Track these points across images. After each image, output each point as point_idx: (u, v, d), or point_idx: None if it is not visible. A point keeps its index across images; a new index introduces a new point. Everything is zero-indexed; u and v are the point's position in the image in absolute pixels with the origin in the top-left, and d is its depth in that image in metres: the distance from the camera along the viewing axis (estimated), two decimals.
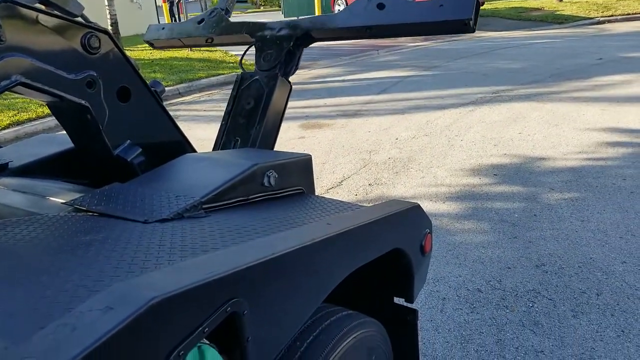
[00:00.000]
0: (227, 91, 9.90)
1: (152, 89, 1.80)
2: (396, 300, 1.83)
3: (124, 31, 17.14)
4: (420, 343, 2.57)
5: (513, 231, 3.70)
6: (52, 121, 7.39)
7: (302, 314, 1.17)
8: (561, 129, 6.01)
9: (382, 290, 1.84)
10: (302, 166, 1.83)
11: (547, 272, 3.16)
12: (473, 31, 2.49)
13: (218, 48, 15.30)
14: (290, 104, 5.36)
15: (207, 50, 14.94)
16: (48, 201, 1.48)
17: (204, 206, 1.38)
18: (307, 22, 2.82)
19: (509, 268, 3.23)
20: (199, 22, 3.16)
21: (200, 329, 0.86)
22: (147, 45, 3.02)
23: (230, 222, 1.33)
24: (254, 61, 2.69)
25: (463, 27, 2.40)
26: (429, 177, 4.85)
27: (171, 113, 1.88)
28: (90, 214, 1.32)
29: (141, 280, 0.89)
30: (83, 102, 1.52)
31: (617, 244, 3.44)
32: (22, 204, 1.48)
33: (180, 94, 9.91)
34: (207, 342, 0.93)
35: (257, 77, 2.64)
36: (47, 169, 1.89)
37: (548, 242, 3.51)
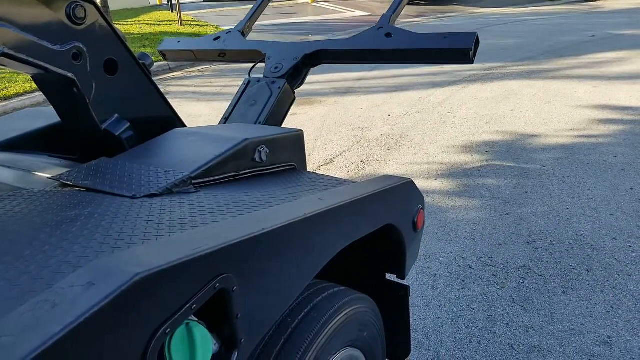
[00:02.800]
0: (218, 67, 9.78)
1: (140, 61, 1.75)
2: (388, 276, 1.83)
3: (113, 5, 16.83)
4: (411, 319, 2.59)
5: (504, 208, 3.71)
6: (40, 96, 7.27)
7: (293, 290, 1.15)
8: (553, 106, 6.00)
9: (374, 267, 1.84)
10: (294, 142, 1.80)
11: (537, 248, 3.18)
12: (472, 62, 2.78)
13: (209, 23, 15.09)
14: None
15: (198, 25, 14.74)
16: (34, 176, 1.44)
17: (194, 181, 1.35)
18: (318, 43, 3.06)
19: (500, 245, 3.24)
20: (215, 39, 3.44)
21: (188, 305, 0.83)
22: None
23: (220, 197, 1.30)
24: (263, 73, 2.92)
25: (463, 56, 2.77)
26: (421, 154, 4.84)
27: (161, 89, 1.83)
28: (77, 189, 1.29)
29: (126, 255, 0.86)
30: (69, 74, 1.47)
31: (608, 220, 3.46)
32: (7, 179, 1.44)
33: (171, 70, 9.76)
34: (196, 319, 0.90)
35: (264, 81, 2.83)
36: (33, 144, 1.85)
37: (539, 219, 3.53)
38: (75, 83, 1.49)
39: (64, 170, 1.41)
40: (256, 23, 3.72)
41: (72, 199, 1.21)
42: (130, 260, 0.82)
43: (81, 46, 1.49)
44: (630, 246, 3.14)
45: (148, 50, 10.81)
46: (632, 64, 7.84)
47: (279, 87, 2.69)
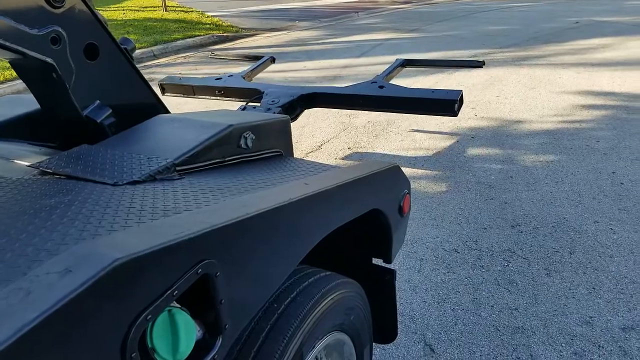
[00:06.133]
0: (203, 54, 9.71)
1: (122, 46, 1.71)
2: (374, 261, 1.85)
3: None
4: (398, 303, 2.63)
5: (489, 193, 3.76)
6: (20, 84, 7.17)
7: (279, 275, 1.14)
8: (538, 92, 6.05)
9: (361, 251, 1.85)
10: (280, 128, 1.80)
11: (522, 232, 3.23)
12: (456, 115, 3.21)
13: (194, 8, 14.93)
14: (268, 67, 5.35)
15: (183, 11, 14.57)
16: (13, 164, 1.41)
17: (178, 168, 1.34)
18: (316, 88, 3.46)
19: (485, 229, 3.29)
20: (216, 79, 3.70)
21: (170, 292, 0.81)
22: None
23: (204, 183, 1.29)
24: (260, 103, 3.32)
25: (448, 107, 3.08)
26: (407, 140, 4.87)
27: (146, 76, 1.82)
28: (57, 176, 1.26)
29: (105, 240, 0.84)
30: (48, 59, 1.43)
31: (590, 204, 3.52)
32: None
33: (155, 56, 9.67)
34: (178, 305, 0.89)
35: (261, 108, 3.09)
36: (13, 131, 1.81)
37: (523, 203, 3.58)
38: (54, 68, 1.46)
39: (44, 158, 1.39)
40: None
41: (52, 186, 1.19)
42: (109, 245, 0.80)
43: (60, 30, 1.46)
44: (611, 229, 3.20)
45: (132, 37, 10.68)
46: (615, 50, 7.92)
47: (273, 111, 2.93)
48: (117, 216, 0.99)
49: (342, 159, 4.54)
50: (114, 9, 15.09)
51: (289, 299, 1.29)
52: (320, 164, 1.72)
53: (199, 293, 0.92)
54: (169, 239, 0.81)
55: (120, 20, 12.88)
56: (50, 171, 1.28)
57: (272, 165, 1.65)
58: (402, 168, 1.77)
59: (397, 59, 4.21)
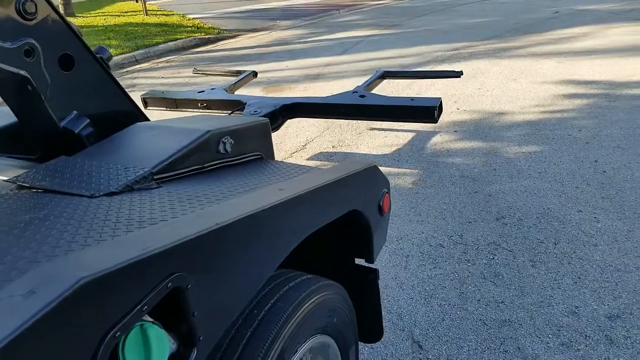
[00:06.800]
0: (186, 57, 9.66)
1: (98, 55, 1.70)
2: (357, 261, 1.85)
3: None
4: (384, 301, 2.63)
5: (473, 186, 3.77)
6: None
7: (255, 283, 1.13)
8: (519, 84, 6.08)
9: (342, 252, 1.85)
10: (259, 131, 1.79)
11: (506, 224, 3.24)
12: (436, 122, 3.28)
13: (175, 11, 14.84)
14: (251, 68, 5.33)
15: (164, 14, 14.47)
16: None
17: (156, 177, 1.33)
18: (297, 98, 3.53)
19: (470, 222, 3.30)
20: (199, 92, 3.78)
21: (139, 307, 0.81)
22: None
23: (182, 192, 1.28)
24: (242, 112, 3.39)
25: (428, 115, 3.21)
26: (391, 136, 4.87)
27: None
28: (34, 190, 1.25)
29: (70, 259, 0.83)
30: (22, 72, 1.41)
31: (573, 193, 3.54)
32: None
33: (137, 61, 9.60)
34: (150, 319, 0.89)
35: (242, 115, 3.16)
36: None
37: (507, 195, 3.59)
38: (29, 81, 1.44)
39: (22, 171, 1.37)
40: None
41: (28, 201, 1.17)
42: (75, 264, 0.79)
43: (33, 42, 1.44)
44: (595, 217, 3.22)
45: (113, 43, 10.61)
46: (595, 38, 7.98)
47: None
48: (91, 230, 0.99)
49: (327, 157, 4.53)
50: (94, 14, 14.96)
51: (269, 304, 1.28)
52: (300, 165, 1.71)
53: (171, 306, 0.91)
54: (137, 254, 0.81)
55: (101, 26, 12.77)
56: (27, 185, 1.27)
57: (252, 169, 1.64)
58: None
59: (376, 71, 4.31)
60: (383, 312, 2.51)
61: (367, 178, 1.69)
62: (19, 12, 1.42)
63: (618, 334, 2.30)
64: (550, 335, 2.33)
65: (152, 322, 0.88)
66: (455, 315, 2.51)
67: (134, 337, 0.83)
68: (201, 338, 0.96)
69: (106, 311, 0.76)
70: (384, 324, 1.92)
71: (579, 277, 2.70)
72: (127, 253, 0.81)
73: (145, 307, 0.82)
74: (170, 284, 0.86)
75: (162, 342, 0.88)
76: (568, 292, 2.60)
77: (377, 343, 2.33)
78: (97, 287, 0.73)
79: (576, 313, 2.45)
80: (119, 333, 0.78)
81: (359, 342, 1.87)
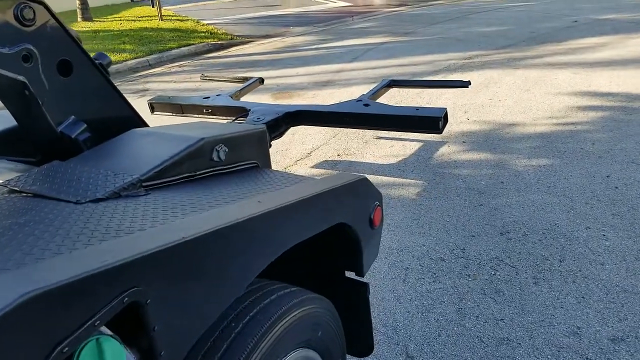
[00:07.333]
0: (199, 62, 9.70)
1: (97, 61, 1.72)
2: (348, 274, 1.80)
3: (93, 2, 16.62)
4: (380, 313, 2.56)
5: (479, 199, 3.68)
6: None
7: (223, 299, 1.10)
8: (532, 94, 5.97)
9: (332, 265, 1.81)
10: (256, 139, 1.77)
11: (511, 239, 3.15)
12: (440, 132, 3.20)
13: (190, 17, 14.95)
14: (261, 74, 5.34)
15: (178, 20, 14.59)
16: None
17: (145, 184, 1.32)
18: (301, 106, 3.48)
19: (473, 236, 3.21)
20: (204, 98, 3.79)
21: (90, 322, 0.79)
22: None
23: (168, 200, 1.27)
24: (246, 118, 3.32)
25: (432, 125, 3.16)
26: (397, 146, 4.80)
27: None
28: (24, 194, 1.25)
29: (18, 272, 0.81)
30: (19, 77, 1.44)
31: (582, 209, 3.44)
32: None
33: (150, 66, 9.66)
34: (109, 332, 0.87)
35: (245, 124, 2.99)
36: None
37: (513, 209, 3.50)
38: (26, 86, 1.46)
39: (17, 174, 1.38)
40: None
41: (14, 205, 1.17)
42: (20, 279, 0.77)
43: (32, 48, 1.46)
44: (604, 235, 3.12)
45: (127, 47, 10.70)
46: (614, 49, 7.83)
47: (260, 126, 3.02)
48: (67, 237, 0.97)
49: (332, 166, 4.47)
50: (111, 19, 15.13)
51: (247, 317, 1.25)
52: (293, 175, 1.68)
53: (131, 320, 0.90)
54: (90, 269, 0.79)
55: (116, 31, 12.89)
56: (18, 189, 1.27)
57: (244, 178, 1.61)
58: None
59: (383, 79, 4.28)
60: (378, 325, 2.46)
61: (356, 191, 1.64)
62: (17, 18, 1.43)
63: (621, 358, 2.21)
64: (549, 356, 2.25)
65: (110, 336, 0.86)
66: (452, 331, 2.43)
67: (89, 350, 0.81)
68: (163, 353, 0.94)
69: (53, 326, 0.75)
70: (378, 336, 1.87)
71: (582, 297, 2.60)
72: (83, 266, 0.79)
73: (98, 322, 0.81)
74: (126, 298, 0.85)
75: (119, 356, 0.86)
76: (571, 312, 2.51)
77: (368, 357, 2.27)
78: (43, 302, 0.72)
79: (578, 334, 2.36)
80: (67, 348, 0.76)
81: (350, 356, 1.83)
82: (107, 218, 1.09)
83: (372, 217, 1.73)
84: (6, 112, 1.90)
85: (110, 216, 1.10)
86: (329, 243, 1.68)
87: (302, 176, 1.67)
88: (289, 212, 1.29)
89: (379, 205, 1.78)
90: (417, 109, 3.23)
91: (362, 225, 1.68)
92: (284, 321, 1.29)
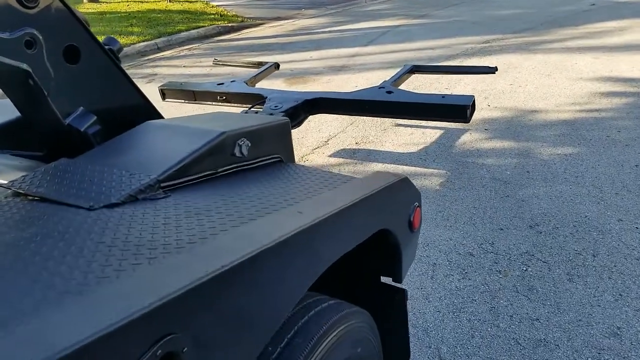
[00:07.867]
0: (208, 45, 9.54)
1: (107, 47, 1.57)
2: (383, 279, 1.69)
3: None
4: (409, 313, 2.46)
5: (505, 190, 3.56)
6: None
7: (264, 333, 0.98)
8: (553, 79, 5.81)
9: (368, 271, 1.70)
10: (279, 131, 1.63)
11: (541, 232, 3.04)
12: (468, 121, 3.07)
13: None
14: (273, 58, 5.18)
15: (187, 1, 14.38)
16: None
17: (163, 184, 1.19)
18: (320, 93, 3.37)
19: (502, 229, 3.10)
20: (218, 84, 3.81)
21: None
22: None
23: (191, 204, 1.13)
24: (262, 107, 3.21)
25: (460, 113, 2.99)
26: (417, 133, 4.67)
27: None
28: (30, 198, 1.13)
29: (29, 332, 0.67)
30: (23, 65, 1.29)
31: (613, 200, 3.32)
32: None
33: (159, 49, 9.51)
34: None
35: (263, 113, 2.96)
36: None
37: (541, 201, 3.38)
38: (30, 75, 1.32)
39: (22, 173, 1.24)
40: None
41: (19, 213, 1.05)
42: (35, 341, 0.65)
43: (35, 32, 1.32)
44: (637, 227, 3.01)
45: (135, 30, 10.54)
46: (635, 33, 7.62)
47: (280, 115, 2.78)
48: (80, 256, 0.84)
49: (350, 154, 4.36)
50: (118, 1, 14.93)
51: (285, 340, 1.12)
52: (322, 172, 1.55)
53: None
54: (116, 320, 0.66)
55: (124, 13, 12.72)
56: (22, 192, 1.14)
57: (271, 175, 1.49)
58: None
59: (405, 65, 4.09)
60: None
61: (397, 192, 1.53)
62: (18, 0, 1.29)
63: None
64: (590, 359, 2.15)
65: None
66: (486, 333, 2.34)
67: None
68: None
69: None
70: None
71: (620, 294, 2.50)
72: (102, 320, 0.66)
73: None
74: (160, 351, 0.72)
75: None
76: (609, 311, 2.40)
77: None
78: None
79: (618, 334, 2.26)
80: None
81: None
82: (124, 229, 0.97)
83: (411, 219, 1.62)
84: (8, 102, 1.79)
85: (128, 225, 0.99)
86: (365, 247, 1.57)
87: (331, 173, 1.55)
88: (334, 224, 1.17)
89: (418, 206, 1.67)
90: (443, 96, 3.09)
91: (402, 229, 1.57)
92: (325, 342, 1.17)
